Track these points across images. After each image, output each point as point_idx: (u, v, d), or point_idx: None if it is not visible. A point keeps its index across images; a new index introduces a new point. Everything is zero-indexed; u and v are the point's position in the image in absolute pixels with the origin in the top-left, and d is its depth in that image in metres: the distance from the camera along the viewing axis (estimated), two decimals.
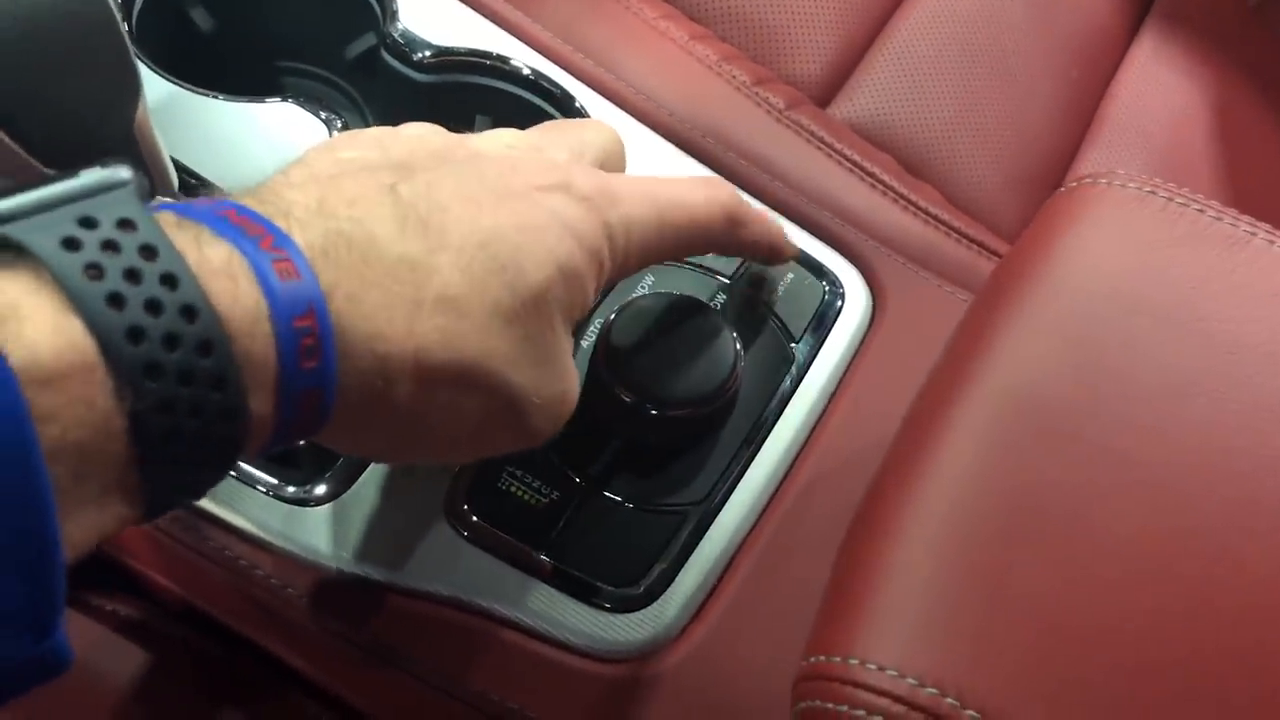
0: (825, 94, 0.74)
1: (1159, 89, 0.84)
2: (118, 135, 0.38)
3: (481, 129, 0.56)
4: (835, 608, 0.30)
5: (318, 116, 0.49)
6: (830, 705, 0.28)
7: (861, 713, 0.28)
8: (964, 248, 0.61)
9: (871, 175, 0.61)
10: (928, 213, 0.61)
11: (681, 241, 0.37)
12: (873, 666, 0.28)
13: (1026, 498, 0.31)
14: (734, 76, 0.62)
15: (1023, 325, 0.33)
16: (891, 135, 0.73)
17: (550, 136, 0.37)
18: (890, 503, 0.31)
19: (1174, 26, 0.87)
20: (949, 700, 0.27)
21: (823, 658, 0.29)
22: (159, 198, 0.41)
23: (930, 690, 0.27)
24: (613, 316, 0.43)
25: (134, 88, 0.38)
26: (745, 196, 0.52)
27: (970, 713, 0.27)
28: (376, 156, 0.32)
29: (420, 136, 0.35)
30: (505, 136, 0.37)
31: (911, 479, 0.31)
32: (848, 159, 0.61)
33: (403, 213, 0.29)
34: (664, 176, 0.37)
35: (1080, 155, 0.80)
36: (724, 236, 0.39)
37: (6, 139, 0.35)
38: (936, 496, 0.30)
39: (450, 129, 0.56)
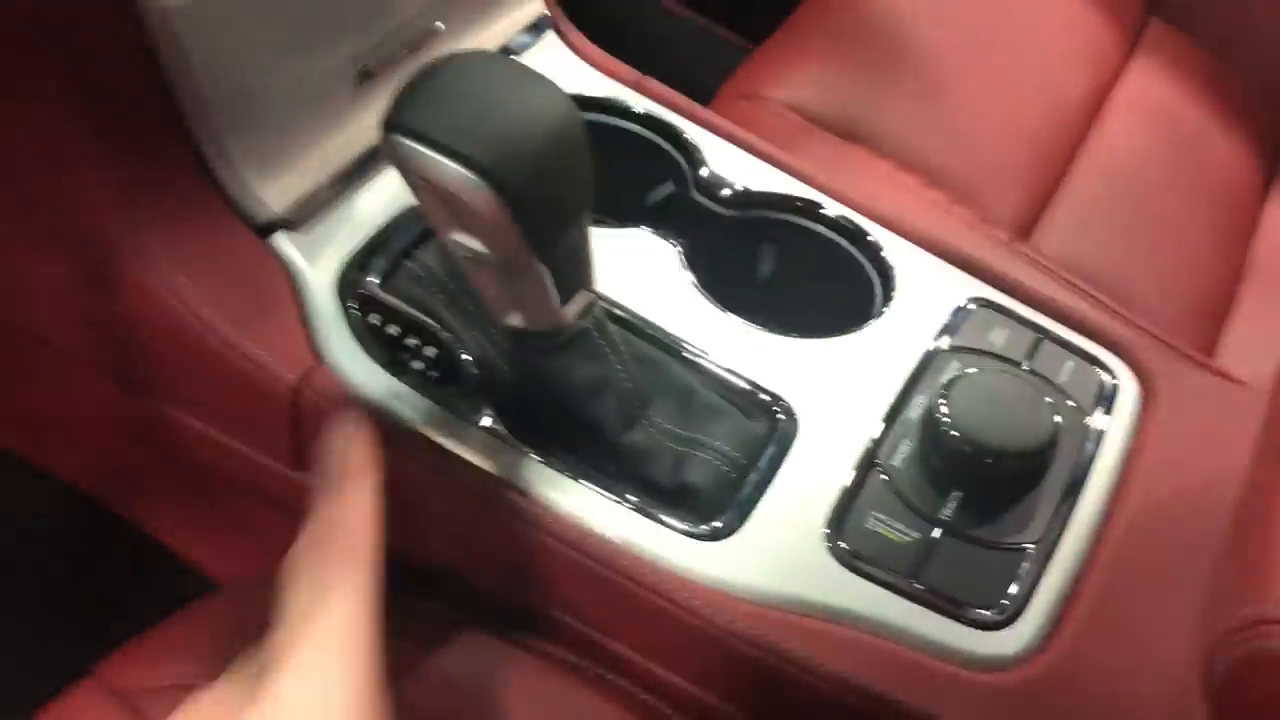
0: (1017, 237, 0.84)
1: None
2: (582, 230, 0.48)
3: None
4: (1246, 570, 0.37)
5: (668, 242, 0.60)
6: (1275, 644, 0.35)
7: None
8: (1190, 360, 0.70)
9: (1092, 296, 0.70)
10: (1145, 329, 0.70)
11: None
12: None
13: None
14: (963, 216, 0.73)
15: None
16: (1076, 272, 0.83)
17: None
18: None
19: None
20: None
21: (1252, 608, 0.36)
22: (583, 292, 0.50)
23: None
24: (946, 387, 0.51)
25: (592, 194, 0.48)
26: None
27: None
28: None
29: None
30: None
31: None
32: (1070, 281, 0.70)
33: None
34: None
35: (1238, 292, 0.89)
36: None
37: (510, 218, 0.44)
38: None
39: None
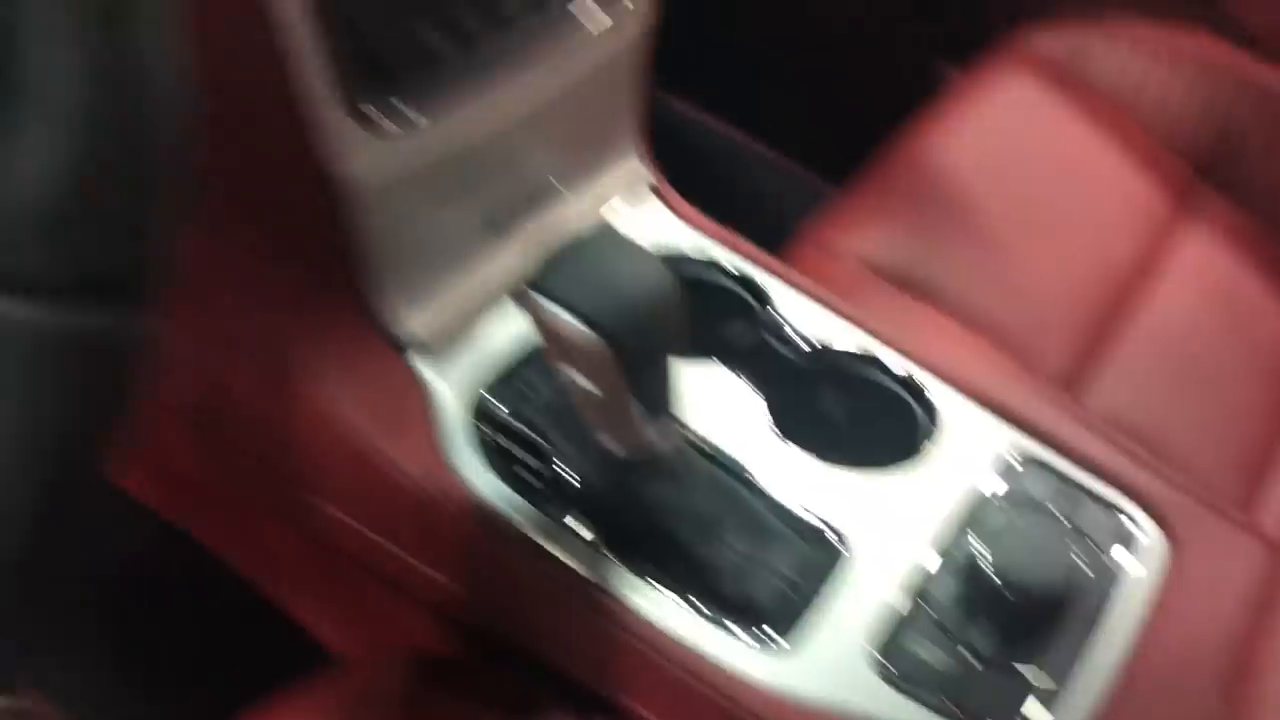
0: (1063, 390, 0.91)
1: None
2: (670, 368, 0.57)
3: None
4: None
5: (741, 378, 0.69)
6: None
7: None
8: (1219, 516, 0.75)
9: (1131, 450, 0.77)
10: (1182, 486, 0.76)
11: None
12: None
13: None
14: (1010, 369, 0.80)
15: None
16: (1119, 427, 0.89)
17: None
18: None
19: None
20: None
21: None
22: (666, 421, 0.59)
23: None
24: (990, 532, 0.59)
25: (686, 344, 0.57)
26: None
27: None
28: None
29: None
30: None
31: None
32: (1109, 435, 0.77)
33: None
34: None
35: None
36: None
37: (616, 365, 0.54)
38: None
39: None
